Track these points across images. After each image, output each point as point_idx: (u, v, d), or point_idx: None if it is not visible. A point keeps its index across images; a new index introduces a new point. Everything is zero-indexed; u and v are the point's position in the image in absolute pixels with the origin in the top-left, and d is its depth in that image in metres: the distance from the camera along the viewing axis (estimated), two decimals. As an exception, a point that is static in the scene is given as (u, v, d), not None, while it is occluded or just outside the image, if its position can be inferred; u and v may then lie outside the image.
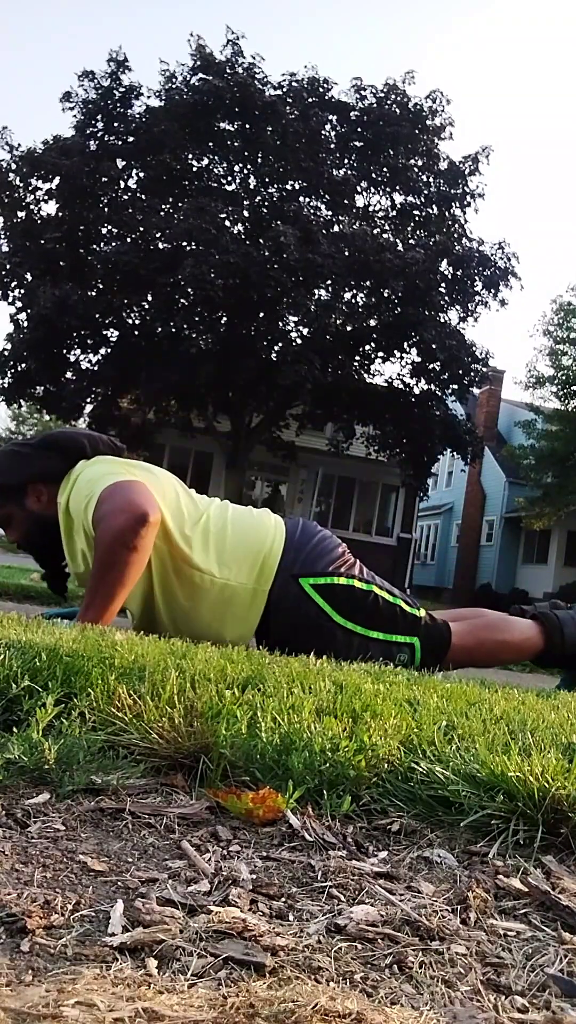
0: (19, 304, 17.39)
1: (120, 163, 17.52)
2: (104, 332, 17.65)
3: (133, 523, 1.88)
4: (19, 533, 2.26)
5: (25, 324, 16.96)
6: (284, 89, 17.87)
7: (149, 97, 17.75)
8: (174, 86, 17.57)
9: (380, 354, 18.27)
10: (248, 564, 2.13)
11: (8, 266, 16.80)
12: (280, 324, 16.88)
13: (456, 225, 18.63)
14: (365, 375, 18.52)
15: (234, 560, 2.12)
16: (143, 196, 17.33)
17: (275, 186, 18.28)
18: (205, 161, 18.50)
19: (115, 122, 17.57)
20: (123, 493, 1.93)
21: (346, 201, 18.25)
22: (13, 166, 16.84)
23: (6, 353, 17.21)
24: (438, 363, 17.59)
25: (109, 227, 17.38)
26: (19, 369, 17.47)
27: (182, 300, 16.09)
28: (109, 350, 17.79)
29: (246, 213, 17.25)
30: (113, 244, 16.82)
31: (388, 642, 2.18)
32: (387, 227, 18.94)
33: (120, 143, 17.53)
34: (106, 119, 17.53)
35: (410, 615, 2.23)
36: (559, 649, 2.33)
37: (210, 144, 17.81)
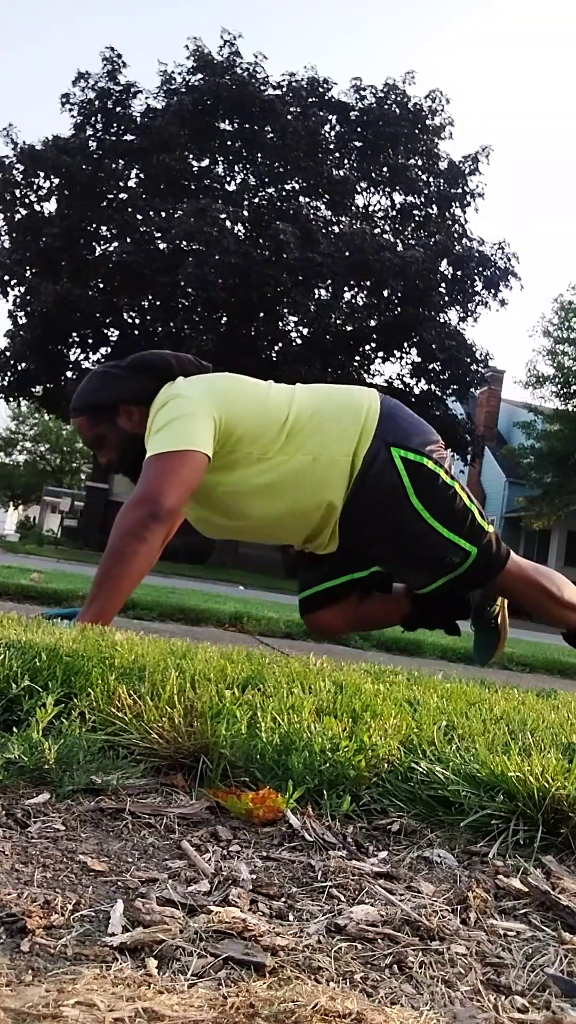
0: (19, 302, 17.40)
1: (120, 163, 17.52)
2: (105, 331, 17.65)
3: (148, 517, 1.92)
4: (113, 454, 2.28)
5: (25, 322, 16.96)
6: (284, 89, 17.88)
7: (148, 98, 17.75)
8: (173, 87, 17.58)
9: (380, 354, 18.28)
10: (347, 433, 2.14)
11: (8, 263, 16.81)
12: (280, 324, 16.89)
13: (456, 225, 18.64)
14: (365, 375, 18.53)
15: (332, 435, 2.14)
16: (144, 196, 17.34)
17: (275, 186, 18.29)
18: (205, 161, 18.50)
19: (114, 122, 17.58)
20: (157, 475, 1.97)
21: (346, 201, 18.27)
22: (17, 163, 16.84)
23: (7, 352, 17.21)
24: (438, 363, 17.60)
25: (110, 226, 17.39)
26: (19, 368, 17.47)
27: (183, 300, 16.09)
28: (109, 349, 17.79)
29: (246, 213, 17.25)
30: (114, 243, 16.82)
31: (448, 540, 2.17)
32: (387, 227, 18.95)
33: (120, 143, 17.53)
34: (105, 119, 17.53)
35: (479, 525, 2.21)
36: None
37: (210, 144, 17.81)
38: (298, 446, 2.13)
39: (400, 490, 2.12)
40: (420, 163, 18.48)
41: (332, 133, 18.40)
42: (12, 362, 17.30)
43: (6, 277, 16.98)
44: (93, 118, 17.56)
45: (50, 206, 17.54)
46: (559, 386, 19.89)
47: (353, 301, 17.84)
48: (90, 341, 17.79)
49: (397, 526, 2.13)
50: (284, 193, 18.04)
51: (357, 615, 2.45)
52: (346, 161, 18.50)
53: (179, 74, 17.70)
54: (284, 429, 2.14)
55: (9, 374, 17.49)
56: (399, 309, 16.94)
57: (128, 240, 16.55)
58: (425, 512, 2.14)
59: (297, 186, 18.04)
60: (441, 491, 2.16)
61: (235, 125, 17.74)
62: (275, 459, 2.12)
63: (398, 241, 17.92)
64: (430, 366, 17.91)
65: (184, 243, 15.67)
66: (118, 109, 17.63)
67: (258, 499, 2.16)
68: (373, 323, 17.61)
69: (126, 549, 1.92)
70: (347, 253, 15.90)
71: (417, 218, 19.01)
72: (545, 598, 2.33)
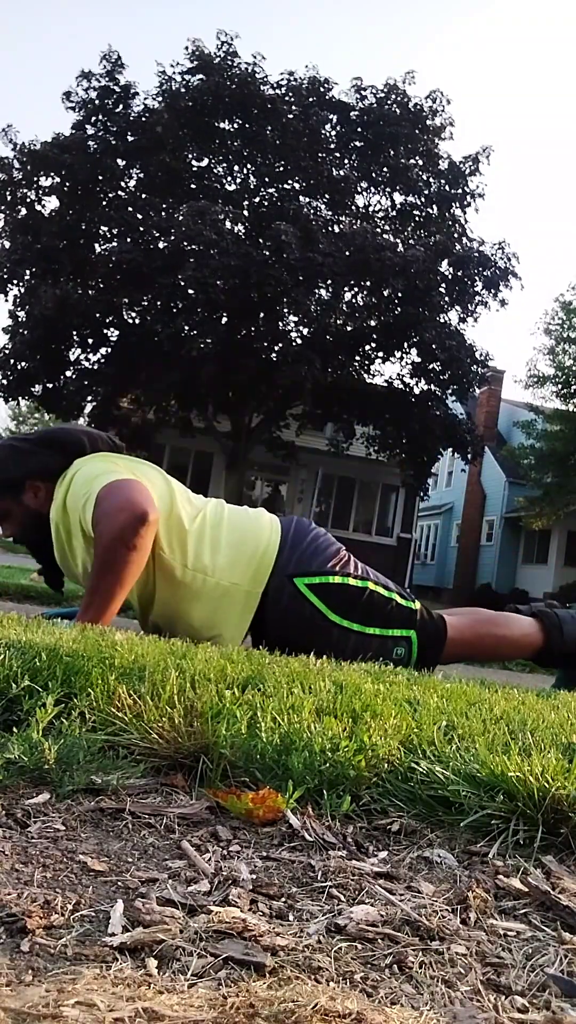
0: (19, 301, 17.40)
1: (120, 162, 17.53)
2: (105, 331, 17.66)
3: (133, 522, 1.87)
4: (15, 528, 2.27)
5: (25, 322, 16.97)
6: (284, 88, 17.87)
7: (147, 98, 17.76)
8: (173, 87, 17.58)
9: (380, 354, 18.28)
10: (243, 564, 2.13)
11: (8, 264, 16.81)
12: (280, 324, 16.88)
13: (456, 225, 18.63)
14: (365, 375, 18.52)
15: (228, 560, 2.12)
16: (144, 195, 17.34)
17: (275, 186, 18.29)
18: (205, 161, 18.50)
19: (114, 122, 17.58)
20: (122, 491, 1.92)
21: (346, 201, 18.26)
22: (16, 163, 16.85)
23: (6, 351, 17.20)
24: (438, 363, 17.59)
25: (110, 226, 17.39)
26: (19, 368, 17.47)
27: (183, 300, 16.09)
28: (109, 349, 17.80)
29: (246, 213, 17.25)
30: (114, 243, 16.82)
31: (385, 636, 2.18)
32: (387, 227, 18.94)
33: (120, 142, 17.53)
34: (105, 118, 17.54)
35: (405, 608, 2.22)
36: (559, 647, 2.33)
37: (210, 144, 17.81)
38: (195, 558, 2.10)
39: (319, 615, 2.13)
40: (420, 163, 18.47)
41: (332, 133, 18.38)
42: (12, 361, 17.30)
43: (5, 275, 16.97)
44: (93, 117, 17.56)
45: (50, 206, 17.55)
46: (559, 386, 19.88)
47: (353, 301, 17.83)
48: (90, 341, 17.78)
49: (334, 643, 2.12)
50: (284, 193, 18.03)
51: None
52: (346, 161, 18.48)
53: (178, 74, 17.70)
54: (191, 533, 2.11)
55: (9, 373, 17.48)
56: (399, 309, 16.93)
57: (128, 240, 16.55)
58: (351, 623, 2.15)
59: (297, 186, 18.04)
60: (356, 597, 2.17)
61: (235, 125, 17.73)
62: (176, 563, 2.09)
63: (398, 241, 17.90)
64: (430, 366, 17.89)
65: (184, 243, 15.66)
66: (118, 108, 17.63)
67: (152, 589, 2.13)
68: (373, 323, 17.60)
69: (117, 558, 1.89)
70: (347, 253, 15.89)
71: (417, 218, 18.99)
72: (500, 642, 2.32)
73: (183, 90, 17.37)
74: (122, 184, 17.86)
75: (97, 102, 17.52)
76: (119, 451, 2.26)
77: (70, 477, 2.08)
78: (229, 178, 18.64)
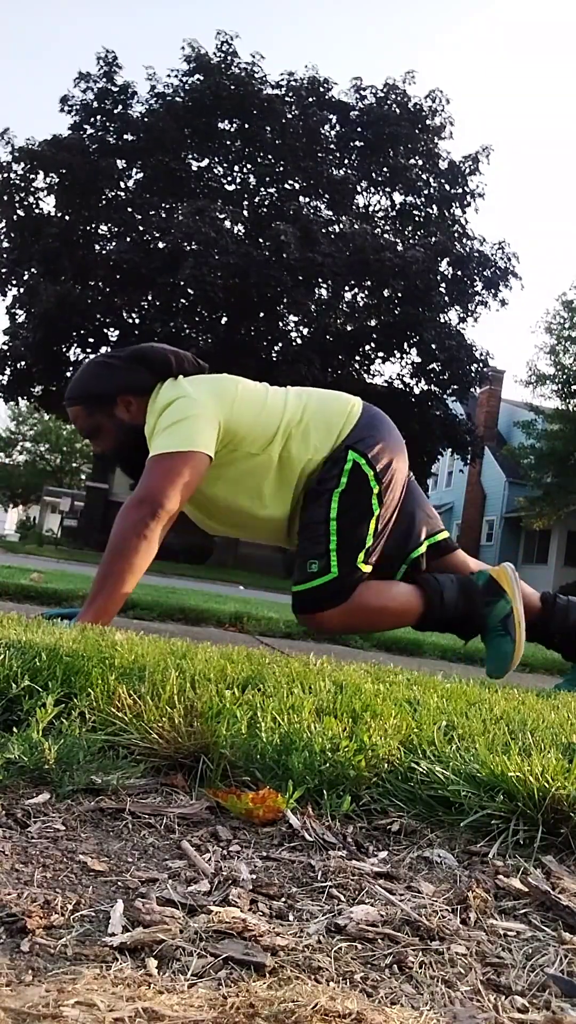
0: (18, 301, 17.40)
1: (120, 163, 17.53)
2: (104, 331, 17.66)
3: (148, 515, 1.98)
4: (109, 443, 2.31)
5: (25, 322, 16.97)
6: (283, 88, 17.88)
7: (146, 99, 17.76)
8: (172, 88, 17.58)
9: (380, 354, 18.28)
10: (329, 439, 2.21)
11: (8, 263, 16.81)
12: (280, 324, 16.89)
13: (456, 225, 18.64)
14: (365, 375, 18.53)
15: (317, 439, 2.21)
16: (143, 195, 17.34)
17: (275, 186, 18.29)
18: (205, 161, 18.50)
19: (113, 122, 17.59)
20: (161, 474, 2.01)
21: (346, 201, 18.27)
22: (14, 165, 16.85)
23: (6, 350, 17.21)
24: (438, 363, 17.60)
25: (109, 226, 17.40)
26: (18, 367, 17.47)
27: (182, 300, 16.09)
28: (109, 349, 17.78)
29: (246, 213, 17.25)
30: (113, 243, 16.82)
31: (327, 551, 2.16)
32: (387, 227, 18.95)
33: (119, 142, 17.53)
34: (104, 119, 17.54)
35: (358, 558, 2.18)
36: (439, 613, 2.28)
37: (209, 144, 17.81)
38: (288, 447, 2.19)
39: (333, 483, 2.17)
40: (420, 163, 18.48)
41: (332, 133, 18.39)
42: (12, 360, 17.30)
43: (4, 275, 16.97)
44: (92, 118, 17.56)
45: (49, 206, 17.56)
46: (560, 385, 19.88)
47: (353, 301, 17.84)
48: (90, 341, 17.79)
49: (308, 509, 2.18)
50: (284, 193, 18.03)
51: None
52: (346, 161, 18.50)
53: (176, 75, 17.70)
54: (278, 430, 2.19)
55: (9, 372, 17.49)
56: (399, 309, 16.94)
57: (128, 239, 16.55)
58: (334, 511, 2.17)
59: (297, 186, 18.04)
60: (359, 505, 2.18)
61: (235, 125, 17.74)
62: (267, 456, 2.18)
63: (398, 241, 17.91)
64: (430, 366, 17.91)
65: (184, 243, 15.67)
66: (116, 109, 17.64)
67: (247, 496, 2.22)
68: (373, 323, 17.61)
69: (127, 546, 1.97)
70: (347, 253, 15.90)
71: (417, 218, 19.00)
72: (381, 613, 2.26)
73: (181, 91, 17.37)
74: (121, 184, 17.86)
75: (95, 104, 17.52)
76: (203, 371, 2.32)
77: (162, 404, 2.14)
78: (229, 178, 18.64)
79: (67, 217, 17.12)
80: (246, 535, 2.46)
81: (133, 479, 2.35)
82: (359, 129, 18.27)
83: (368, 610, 2.23)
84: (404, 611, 2.28)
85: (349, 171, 18.19)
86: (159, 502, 1.99)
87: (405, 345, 17.87)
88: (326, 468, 2.19)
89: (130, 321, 17.54)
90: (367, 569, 2.22)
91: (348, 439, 2.20)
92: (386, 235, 17.96)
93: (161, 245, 16.49)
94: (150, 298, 16.82)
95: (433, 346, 16.91)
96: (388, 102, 18.20)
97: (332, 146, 18.35)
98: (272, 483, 2.22)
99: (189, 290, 15.63)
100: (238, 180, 18.50)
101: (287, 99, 17.63)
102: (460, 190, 18.62)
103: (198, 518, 2.39)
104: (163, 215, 16.73)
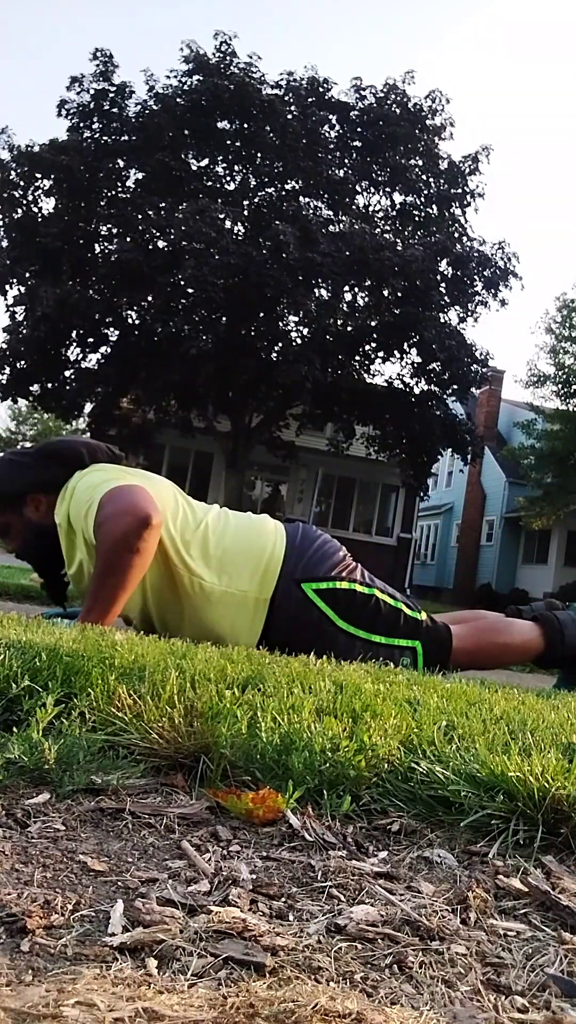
0: (18, 301, 17.40)
1: (119, 163, 17.53)
2: (104, 331, 17.66)
3: (136, 526, 1.87)
4: (18, 542, 2.26)
5: (25, 321, 16.97)
6: (283, 88, 17.88)
7: (146, 99, 17.75)
8: (170, 88, 17.58)
9: (380, 354, 18.28)
10: (249, 571, 2.13)
11: (7, 263, 16.81)
12: (280, 324, 16.89)
13: (456, 225, 18.64)
14: (365, 375, 18.52)
15: (235, 567, 2.12)
16: (143, 195, 17.34)
17: (275, 186, 18.29)
18: (204, 161, 18.50)
19: (112, 122, 17.58)
20: (124, 497, 1.91)
21: (346, 200, 18.26)
22: (13, 164, 16.86)
23: (5, 348, 17.20)
24: (438, 363, 17.59)
25: (109, 226, 17.40)
26: (17, 367, 17.47)
27: (182, 300, 16.10)
28: (109, 349, 17.79)
29: (246, 212, 17.25)
30: (113, 243, 16.82)
31: (391, 646, 2.19)
32: (387, 227, 18.95)
33: (118, 143, 17.53)
34: (102, 120, 17.54)
35: (411, 618, 2.23)
36: (559, 651, 2.34)
37: (209, 144, 17.81)
38: (204, 564, 2.09)
39: (327, 620, 2.14)
40: (420, 163, 18.46)
41: (332, 133, 18.38)
42: (11, 359, 17.29)
43: (3, 273, 16.96)
44: (89, 119, 17.55)
45: (48, 206, 17.55)
46: (560, 385, 19.87)
47: (353, 301, 17.84)
48: (90, 340, 17.78)
49: (340, 649, 2.12)
50: (284, 193, 18.02)
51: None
52: (346, 161, 18.48)
53: (175, 76, 17.69)
54: (194, 542, 2.11)
55: (8, 372, 17.48)
56: (399, 309, 16.92)
57: (127, 239, 16.55)
58: (358, 630, 2.16)
59: (297, 186, 18.03)
60: (363, 604, 2.18)
61: (234, 125, 17.73)
62: (183, 571, 2.08)
63: (398, 241, 17.90)
64: (430, 366, 17.89)
65: (184, 243, 15.65)
66: (114, 109, 17.62)
67: (160, 595, 2.12)
68: (373, 323, 17.60)
69: (120, 563, 1.88)
70: (347, 253, 15.88)
71: (417, 218, 18.99)
72: (503, 650, 2.34)
73: (180, 92, 17.37)
74: (120, 184, 17.86)
75: (92, 104, 17.52)
76: (118, 462, 2.25)
77: (72, 488, 2.07)
78: (228, 178, 18.64)
79: (67, 217, 17.11)
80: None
81: (43, 579, 2.30)
82: (359, 129, 18.26)
83: (489, 648, 2.31)
84: (524, 648, 2.35)
85: (349, 171, 18.18)
86: (139, 508, 1.88)
87: (405, 345, 17.85)
88: (293, 612, 2.12)
89: (130, 321, 17.54)
90: (422, 615, 2.26)
91: (287, 576, 2.13)
92: (386, 235, 17.94)
93: (161, 245, 16.48)
94: (150, 298, 16.80)
95: (433, 346, 16.88)
96: (388, 102, 18.18)
97: (332, 146, 18.33)
98: (186, 596, 2.10)
99: (189, 290, 15.61)
100: (238, 180, 18.49)
101: (286, 99, 17.62)
102: (460, 190, 18.60)
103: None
104: (163, 215, 16.70)
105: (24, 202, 17.34)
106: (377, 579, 2.30)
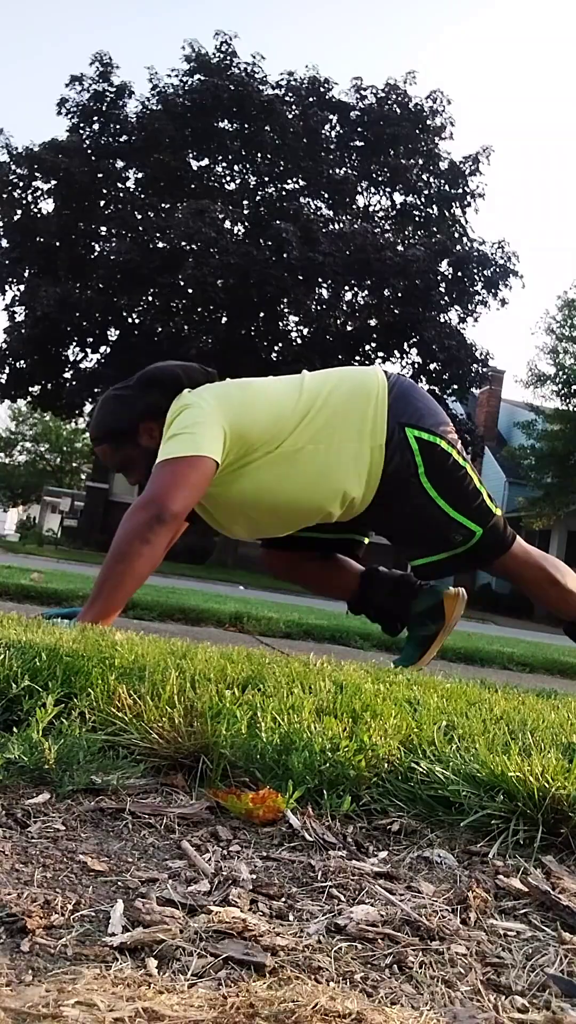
0: (17, 300, 17.40)
1: (119, 163, 17.53)
2: (104, 331, 17.66)
3: (154, 520, 1.95)
4: (142, 471, 2.29)
5: (24, 321, 16.97)
6: (283, 88, 17.88)
7: (146, 99, 17.74)
8: (171, 88, 17.58)
9: (380, 354, 18.28)
10: (360, 420, 2.17)
11: (7, 263, 16.82)
12: (280, 324, 16.89)
13: (456, 225, 18.65)
14: (365, 375, 18.51)
15: (344, 423, 2.17)
16: (143, 195, 17.34)
17: (275, 186, 18.29)
18: (205, 161, 18.50)
19: (111, 122, 17.58)
20: (165, 478, 2.00)
21: (347, 200, 18.27)
22: (13, 166, 16.86)
23: (5, 348, 17.19)
24: (438, 363, 17.60)
25: (109, 226, 17.41)
26: (17, 367, 17.47)
27: (182, 300, 16.10)
28: (109, 349, 17.80)
29: (246, 213, 17.25)
30: (113, 243, 16.83)
31: (453, 520, 2.21)
32: (387, 227, 18.95)
33: (117, 143, 17.53)
34: (101, 120, 17.53)
35: (486, 506, 2.27)
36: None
37: (209, 144, 17.81)
38: (310, 436, 2.16)
39: (412, 468, 2.17)
40: (420, 163, 18.48)
41: (332, 133, 18.39)
42: (11, 359, 17.30)
43: (3, 274, 16.95)
44: (89, 119, 17.55)
45: (48, 207, 17.54)
46: (560, 385, 19.88)
47: (353, 301, 17.84)
48: (89, 340, 17.78)
49: (404, 502, 2.18)
50: (284, 193, 18.03)
51: (309, 570, 2.54)
52: (346, 161, 18.49)
53: (176, 76, 17.68)
54: (296, 423, 2.16)
55: (7, 372, 17.48)
56: (399, 309, 16.94)
57: (127, 239, 16.55)
58: (434, 492, 2.19)
59: (297, 186, 18.04)
60: (452, 471, 2.21)
61: (235, 125, 17.73)
62: (288, 451, 2.16)
63: (398, 241, 17.91)
64: (430, 366, 17.90)
65: (183, 242, 15.66)
66: (114, 110, 17.62)
67: (276, 493, 2.19)
68: (373, 323, 17.61)
69: (130, 550, 1.95)
70: (347, 253, 15.90)
71: (417, 218, 19.01)
72: (548, 584, 2.37)
73: (181, 91, 17.36)
74: (120, 184, 17.86)
75: (92, 105, 17.51)
76: (212, 379, 2.31)
77: (171, 417, 2.13)
78: (229, 178, 18.64)
79: (66, 217, 17.11)
80: (286, 527, 2.36)
81: None
82: (359, 129, 18.27)
83: (541, 575, 2.35)
84: (571, 599, 2.39)
85: (349, 171, 18.18)
86: (165, 505, 1.96)
87: (405, 345, 17.87)
88: (392, 456, 2.16)
89: (130, 321, 17.54)
90: (498, 511, 2.30)
91: (394, 417, 2.18)
92: (386, 235, 17.96)
93: (161, 245, 16.48)
94: (150, 298, 16.81)
95: (433, 346, 16.90)
96: (389, 102, 18.19)
97: (332, 146, 18.34)
98: (300, 474, 2.17)
99: (189, 290, 15.62)
100: (238, 180, 18.50)
101: (287, 99, 17.63)
102: (460, 190, 18.62)
103: (222, 524, 2.34)
104: (163, 215, 16.72)
105: (24, 203, 17.34)
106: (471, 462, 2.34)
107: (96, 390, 17.75)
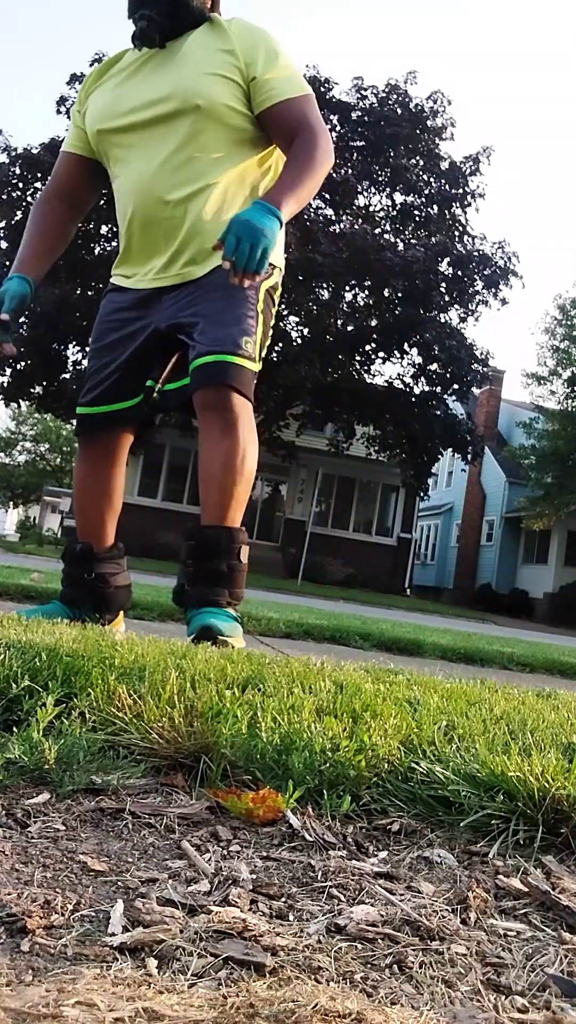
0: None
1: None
2: (104, 332, 17.63)
3: (330, 146, 2.15)
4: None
5: (24, 322, 16.96)
6: (284, 89, 17.85)
7: None
8: None
9: (380, 354, 18.27)
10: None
11: (7, 263, 16.80)
12: (280, 324, 16.88)
13: (456, 225, 18.63)
14: (365, 375, 18.51)
15: None
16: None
17: (275, 185, 18.26)
18: (205, 161, 18.48)
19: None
20: (319, 117, 2.18)
21: (346, 200, 18.26)
22: (13, 167, 16.87)
23: None
24: (438, 363, 17.59)
25: (109, 226, 17.40)
26: (18, 368, 17.46)
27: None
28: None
29: (246, 212, 17.24)
30: (113, 243, 16.82)
31: (250, 327, 2.24)
32: (387, 227, 18.94)
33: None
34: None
35: (259, 349, 2.36)
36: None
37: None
38: None
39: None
40: (421, 163, 18.46)
41: (333, 133, 18.38)
42: (12, 361, 17.29)
43: (3, 274, 16.97)
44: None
45: (48, 207, 17.52)
46: (561, 385, 19.88)
47: (353, 301, 17.83)
48: (89, 340, 17.79)
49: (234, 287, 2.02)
50: (284, 193, 18.02)
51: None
52: (347, 161, 18.48)
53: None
54: None
55: (8, 373, 17.48)
56: (399, 309, 16.92)
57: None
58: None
59: (297, 186, 18.03)
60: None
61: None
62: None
63: (399, 241, 17.90)
64: (430, 366, 17.89)
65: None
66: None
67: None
68: (373, 323, 17.60)
69: (323, 173, 2.11)
70: (347, 253, 15.89)
71: (418, 218, 18.99)
72: (233, 459, 2.12)
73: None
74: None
75: None
76: None
77: (271, 36, 2.30)
78: (229, 178, 18.62)
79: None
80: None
81: (151, 30, 2.34)
82: (360, 129, 18.25)
83: (236, 451, 2.14)
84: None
85: (350, 171, 18.17)
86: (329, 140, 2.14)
87: (405, 345, 17.85)
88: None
89: (130, 321, 17.54)
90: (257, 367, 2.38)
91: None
92: (386, 235, 17.95)
93: (161, 245, 16.48)
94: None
95: (433, 346, 16.89)
96: (389, 102, 18.18)
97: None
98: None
99: (189, 290, 15.60)
100: (238, 180, 18.49)
101: (287, 99, 17.63)
102: (460, 190, 18.61)
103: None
104: (163, 215, 16.72)
105: (23, 203, 17.34)
106: None
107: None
